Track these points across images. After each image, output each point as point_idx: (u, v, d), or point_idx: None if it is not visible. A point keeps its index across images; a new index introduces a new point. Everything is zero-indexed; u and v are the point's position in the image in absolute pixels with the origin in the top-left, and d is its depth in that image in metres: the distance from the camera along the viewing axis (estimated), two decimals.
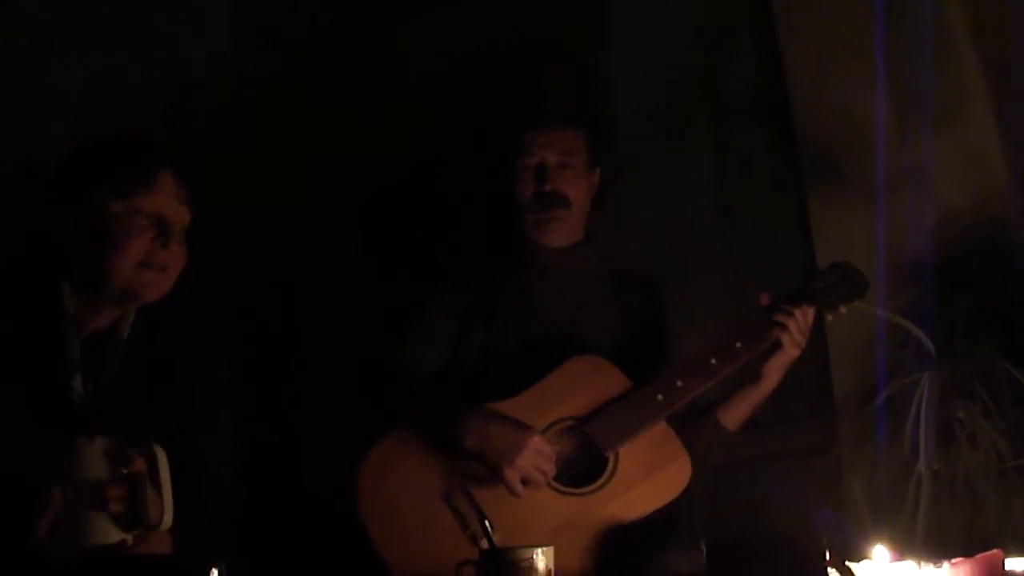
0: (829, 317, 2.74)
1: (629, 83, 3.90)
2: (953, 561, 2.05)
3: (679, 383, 2.63)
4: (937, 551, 2.32)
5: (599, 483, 2.59)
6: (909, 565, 2.06)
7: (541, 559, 2.13)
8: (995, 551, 2.04)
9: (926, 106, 3.09)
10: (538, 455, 2.54)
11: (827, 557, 1.90)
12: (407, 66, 3.90)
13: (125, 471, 2.02)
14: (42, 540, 1.97)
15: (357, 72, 3.89)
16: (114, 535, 2.01)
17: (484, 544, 2.45)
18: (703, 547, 2.01)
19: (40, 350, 2.24)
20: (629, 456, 2.60)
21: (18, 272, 2.32)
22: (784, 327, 2.66)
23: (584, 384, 2.66)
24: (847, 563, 1.96)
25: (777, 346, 2.68)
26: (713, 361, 2.65)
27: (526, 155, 2.87)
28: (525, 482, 2.54)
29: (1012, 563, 2.05)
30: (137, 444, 2.04)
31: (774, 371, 2.71)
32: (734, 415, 2.76)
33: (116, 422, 2.18)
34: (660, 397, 2.62)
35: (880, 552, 2.09)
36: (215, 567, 1.84)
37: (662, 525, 2.60)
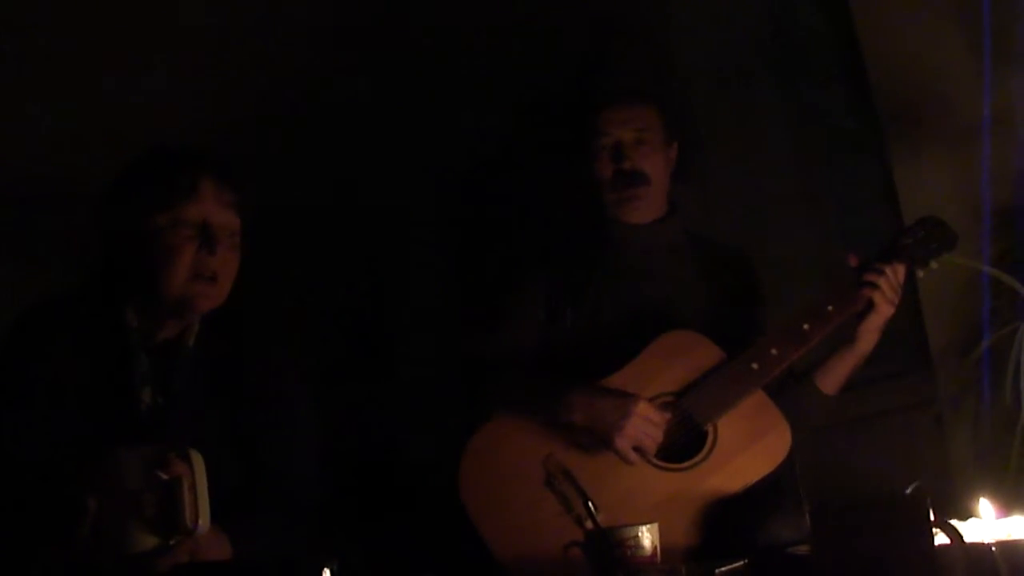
0: (920, 273, 2.70)
1: (699, 50, 3.88)
2: None
3: (773, 351, 2.61)
4: None
5: (700, 457, 2.59)
6: (1017, 520, 2.04)
7: (646, 536, 2.14)
8: None
9: (1005, 47, 3.03)
10: (646, 421, 2.55)
11: (932, 517, 1.88)
12: (478, 49, 3.91)
13: (166, 477, 2.02)
14: (82, 549, 2.00)
15: (428, 58, 3.92)
16: (148, 542, 2.01)
17: (589, 525, 2.47)
18: (807, 512, 2.00)
19: (108, 366, 2.27)
20: (728, 428, 2.60)
21: (82, 292, 2.36)
22: (875, 286, 2.63)
23: (678, 359, 2.66)
24: (953, 522, 1.94)
25: (870, 307, 2.64)
26: (806, 326, 2.63)
27: (602, 135, 2.86)
28: (636, 449, 2.56)
29: None
30: (178, 450, 2.04)
31: (869, 332, 2.67)
32: (831, 379, 2.73)
33: (188, 431, 2.21)
34: (755, 366, 2.61)
35: (986, 507, 2.06)
36: (326, 567, 1.88)
37: (766, 494, 2.60)
